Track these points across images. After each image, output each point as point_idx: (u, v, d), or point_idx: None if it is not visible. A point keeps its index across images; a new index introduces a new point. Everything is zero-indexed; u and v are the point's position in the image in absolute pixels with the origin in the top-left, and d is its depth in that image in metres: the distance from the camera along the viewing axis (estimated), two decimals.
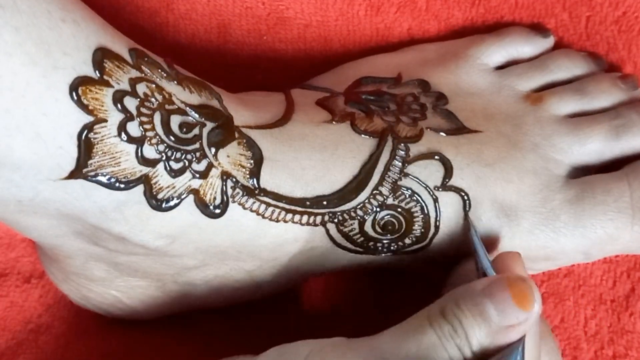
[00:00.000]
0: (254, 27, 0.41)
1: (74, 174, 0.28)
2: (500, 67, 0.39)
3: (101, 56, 0.28)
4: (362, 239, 0.34)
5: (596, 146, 0.36)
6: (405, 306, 0.37)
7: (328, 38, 0.42)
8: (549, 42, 0.40)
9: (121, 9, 0.39)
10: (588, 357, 0.38)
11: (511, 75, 0.39)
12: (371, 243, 0.34)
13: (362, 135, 0.34)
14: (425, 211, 0.34)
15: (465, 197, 0.34)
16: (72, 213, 0.29)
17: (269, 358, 0.30)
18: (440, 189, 0.34)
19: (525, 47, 0.40)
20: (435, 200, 0.34)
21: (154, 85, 0.30)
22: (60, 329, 0.38)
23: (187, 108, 0.30)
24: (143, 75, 0.29)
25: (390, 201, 0.33)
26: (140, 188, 0.29)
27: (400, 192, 0.33)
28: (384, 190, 0.33)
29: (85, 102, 0.28)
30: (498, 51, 0.39)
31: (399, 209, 0.33)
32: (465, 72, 0.38)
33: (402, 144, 0.34)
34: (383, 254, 0.35)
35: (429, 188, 0.34)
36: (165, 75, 0.30)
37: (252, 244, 0.33)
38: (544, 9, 0.41)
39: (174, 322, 0.37)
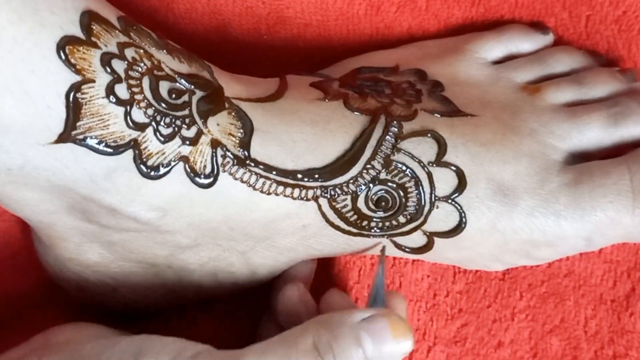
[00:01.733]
0: (253, 26, 0.41)
1: (62, 137, 0.28)
2: (499, 63, 0.39)
3: (89, 19, 0.28)
4: (355, 216, 0.33)
5: (595, 133, 0.36)
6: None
7: (328, 37, 0.42)
8: (548, 39, 0.40)
9: (121, 8, 0.39)
10: (588, 357, 0.38)
11: (509, 68, 0.38)
12: (365, 222, 0.34)
13: (355, 113, 0.34)
14: (420, 186, 0.33)
15: (460, 174, 0.34)
16: (63, 183, 0.29)
17: (133, 342, 0.30)
18: (434, 165, 0.34)
19: (524, 43, 0.40)
20: (430, 175, 0.34)
21: (142, 51, 0.30)
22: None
23: (177, 76, 0.30)
24: (132, 41, 0.30)
25: (383, 176, 0.33)
26: (129, 154, 0.29)
27: (393, 167, 0.33)
28: (377, 164, 0.33)
29: (73, 61, 0.28)
30: (497, 46, 0.39)
31: (393, 184, 0.33)
32: (464, 65, 0.38)
33: (395, 122, 0.34)
34: (377, 236, 0.34)
35: (423, 163, 0.34)
36: (154, 43, 0.30)
37: (244, 219, 0.32)
38: (543, 8, 0.41)
39: (173, 322, 0.37)
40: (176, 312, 0.38)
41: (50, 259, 0.36)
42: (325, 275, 0.39)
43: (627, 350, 0.38)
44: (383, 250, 0.34)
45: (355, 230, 0.34)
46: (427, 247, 0.35)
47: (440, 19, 0.41)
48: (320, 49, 0.42)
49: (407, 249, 0.35)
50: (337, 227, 0.34)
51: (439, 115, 0.35)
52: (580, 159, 0.36)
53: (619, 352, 0.38)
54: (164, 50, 0.31)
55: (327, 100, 0.34)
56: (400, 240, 0.35)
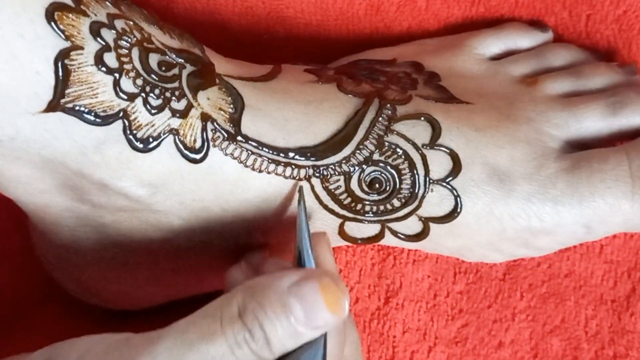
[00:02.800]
0: (253, 26, 0.41)
1: (51, 105, 0.28)
2: (497, 59, 0.39)
3: None
4: (348, 199, 0.33)
5: (592, 122, 0.36)
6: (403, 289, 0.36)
7: (328, 37, 0.42)
8: (547, 36, 0.40)
9: None
10: (589, 357, 0.38)
11: (507, 62, 0.38)
12: (359, 205, 0.33)
13: (349, 95, 0.34)
14: (414, 168, 0.33)
15: (455, 157, 0.33)
16: (53, 157, 0.29)
17: (43, 352, 0.29)
18: (428, 147, 0.33)
19: (523, 40, 0.40)
20: (424, 157, 0.33)
21: (132, 23, 0.30)
22: (58, 328, 0.38)
23: (167, 49, 0.30)
24: (121, 13, 0.30)
25: (376, 157, 0.33)
26: (119, 125, 0.29)
27: (386, 148, 0.33)
28: (369, 145, 0.33)
29: (61, 27, 0.28)
30: (495, 43, 0.39)
31: (386, 165, 0.33)
32: (462, 60, 0.38)
33: (389, 104, 0.34)
34: (372, 221, 0.34)
35: (417, 145, 0.33)
36: (145, 18, 0.30)
37: (236, 198, 0.32)
38: (544, 8, 0.41)
39: (173, 317, 0.37)
40: (177, 308, 0.37)
41: (45, 250, 0.35)
42: None
43: (628, 351, 0.38)
44: (300, 189, 0.33)
45: (350, 215, 0.34)
46: (423, 233, 0.35)
47: (440, 19, 0.41)
48: (319, 49, 0.42)
49: (402, 236, 0.35)
50: (331, 211, 0.33)
51: (433, 101, 0.35)
52: (578, 149, 0.36)
53: (619, 352, 0.38)
54: (155, 25, 0.31)
55: (320, 83, 0.34)
56: (395, 226, 0.34)
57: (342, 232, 0.35)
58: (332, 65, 0.38)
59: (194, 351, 0.25)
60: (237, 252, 0.35)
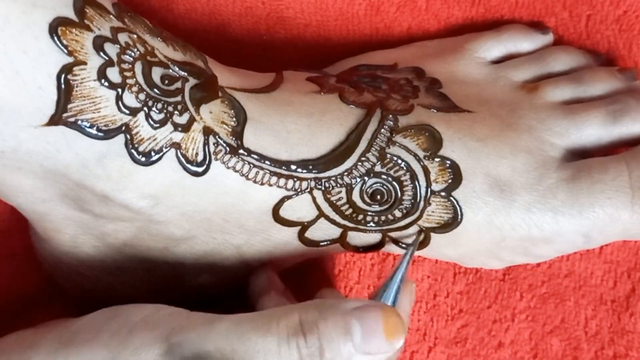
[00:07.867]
0: (253, 26, 0.41)
1: (54, 119, 0.28)
2: (498, 62, 0.39)
3: (82, 2, 0.28)
4: (350, 210, 0.33)
5: (593, 130, 0.36)
6: None
7: (328, 38, 0.42)
8: (547, 39, 0.40)
9: None
10: (588, 357, 0.38)
11: (508, 67, 0.38)
12: (360, 216, 0.33)
13: (350, 106, 0.34)
14: (415, 180, 0.33)
15: (456, 168, 0.33)
16: (55, 168, 0.29)
17: (100, 316, 0.30)
18: (429, 159, 0.33)
19: (523, 43, 0.40)
20: (425, 169, 0.33)
21: (135, 37, 0.29)
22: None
23: (170, 63, 0.30)
24: (125, 26, 0.29)
25: (378, 169, 0.33)
26: (121, 139, 0.29)
27: (388, 160, 0.33)
28: (371, 157, 0.33)
29: (65, 42, 0.27)
30: (496, 46, 0.39)
31: (388, 177, 0.33)
32: (462, 64, 0.38)
33: (391, 115, 0.34)
34: (373, 231, 0.34)
35: (418, 157, 0.33)
36: (148, 30, 0.30)
37: (237, 210, 0.32)
38: (544, 8, 0.41)
39: None
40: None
41: (47, 255, 0.36)
42: (324, 276, 0.39)
43: (628, 351, 0.38)
44: (416, 239, 0.34)
45: (351, 225, 0.34)
46: (423, 243, 0.35)
47: (440, 19, 0.41)
48: (319, 49, 0.42)
49: (403, 245, 0.35)
50: (333, 221, 0.33)
51: (435, 111, 0.35)
52: (578, 156, 0.36)
53: (619, 352, 0.38)
54: (159, 38, 0.31)
55: (322, 93, 0.34)
56: (396, 235, 0.34)
57: (343, 241, 0.35)
58: (334, 71, 0.38)
59: (245, 339, 0.27)
60: (238, 259, 0.35)
